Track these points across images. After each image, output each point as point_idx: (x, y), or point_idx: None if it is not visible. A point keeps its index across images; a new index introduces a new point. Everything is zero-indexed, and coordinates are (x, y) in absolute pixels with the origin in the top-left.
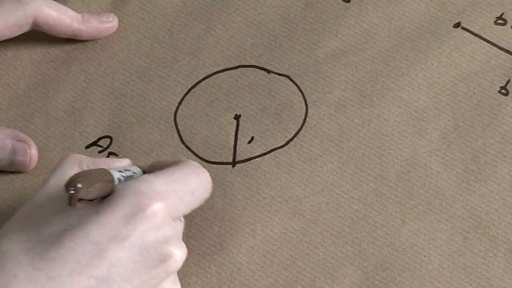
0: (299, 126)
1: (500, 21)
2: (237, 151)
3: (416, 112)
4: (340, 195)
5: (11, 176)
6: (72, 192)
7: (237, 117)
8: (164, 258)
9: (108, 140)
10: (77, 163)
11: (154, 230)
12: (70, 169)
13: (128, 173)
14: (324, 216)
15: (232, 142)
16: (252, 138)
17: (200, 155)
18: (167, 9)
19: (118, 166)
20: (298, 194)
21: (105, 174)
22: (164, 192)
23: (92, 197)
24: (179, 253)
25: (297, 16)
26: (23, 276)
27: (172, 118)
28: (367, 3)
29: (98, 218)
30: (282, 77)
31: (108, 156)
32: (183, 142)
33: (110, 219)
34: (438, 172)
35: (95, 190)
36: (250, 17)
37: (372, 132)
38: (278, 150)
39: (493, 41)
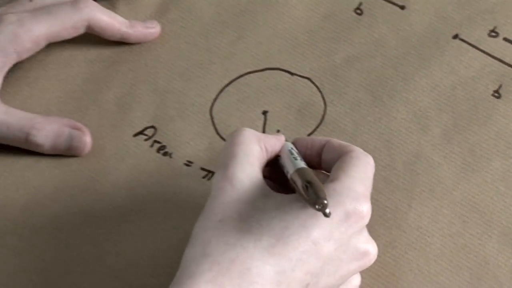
0: (318, 121)
1: (493, 33)
2: None
3: (420, 111)
4: None
5: (68, 159)
6: (325, 210)
7: (264, 113)
8: (362, 256)
9: (152, 130)
10: (257, 141)
11: (359, 231)
12: (253, 146)
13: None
14: None
15: None
16: (278, 131)
17: None
18: (203, 18)
19: (282, 143)
20: None
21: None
22: (364, 193)
23: None
24: (374, 251)
25: (317, 26)
26: (255, 270)
27: (208, 112)
28: (377, 16)
29: (318, 222)
30: (304, 79)
31: (152, 145)
32: (218, 133)
33: (328, 223)
34: (439, 163)
35: None
36: (276, 26)
37: (383, 128)
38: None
39: (487, 51)
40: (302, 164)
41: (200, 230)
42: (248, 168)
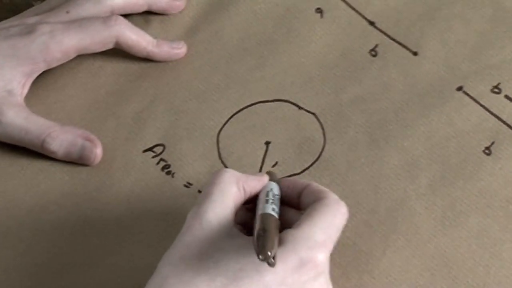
0: (315, 158)
1: (496, 89)
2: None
3: (412, 159)
4: None
5: (79, 167)
6: (268, 261)
7: (267, 143)
8: None
9: (161, 148)
10: (235, 182)
11: (314, 278)
12: (230, 187)
13: (276, 200)
14: None
15: (259, 164)
16: (276, 163)
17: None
18: (228, 43)
19: (264, 184)
20: None
21: (276, 227)
22: (324, 242)
23: None
24: None
25: (331, 63)
26: None
27: (216, 136)
28: (390, 59)
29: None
30: (310, 114)
31: (158, 163)
32: (220, 158)
33: (282, 269)
34: (420, 213)
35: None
36: (293, 59)
37: (374, 172)
38: (295, 176)
39: (487, 106)
40: (269, 209)
41: (162, 265)
42: (219, 209)
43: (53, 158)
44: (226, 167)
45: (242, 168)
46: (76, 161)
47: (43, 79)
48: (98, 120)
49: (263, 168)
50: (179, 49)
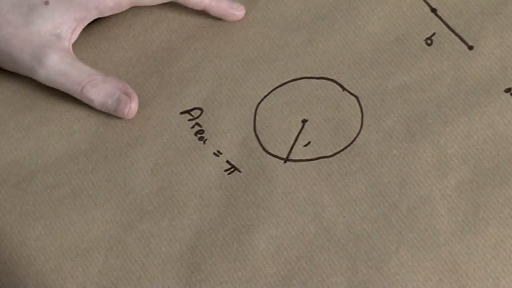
0: (349, 142)
1: None
2: (293, 151)
3: (445, 158)
4: (357, 212)
5: (115, 120)
6: None
7: (304, 121)
8: None
9: (199, 112)
10: None
11: None
12: None
13: None
14: (337, 227)
15: (292, 142)
16: (309, 142)
17: (263, 144)
18: (286, 13)
19: None
20: (325, 202)
21: None
22: None
23: None
24: None
25: (384, 47)
26: None
27: (255, 107)
28: (444, 50)
29: None
30: (352, 97)
31: (193, 127)
32: (254, 130)
33: None
34: (441, 215)
35: None
36: (347, 37)
37: (403, 165)
38: (325, 159)
39: None
40: None
41: None
42: None
43: (92, 109)
44: (257, 139)
45: (274, 142)
46: (111, 112)
47: (98, 26)
48: (143, 75)
49: (294, 146)
50: (237, 11)
